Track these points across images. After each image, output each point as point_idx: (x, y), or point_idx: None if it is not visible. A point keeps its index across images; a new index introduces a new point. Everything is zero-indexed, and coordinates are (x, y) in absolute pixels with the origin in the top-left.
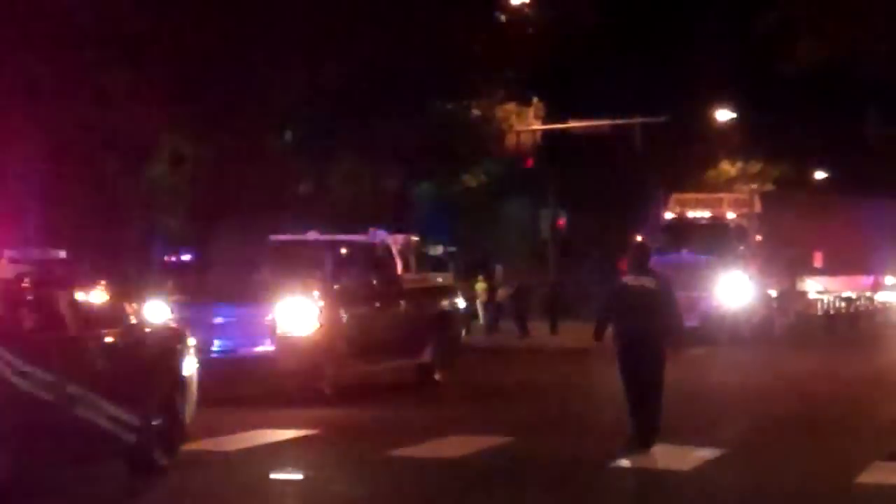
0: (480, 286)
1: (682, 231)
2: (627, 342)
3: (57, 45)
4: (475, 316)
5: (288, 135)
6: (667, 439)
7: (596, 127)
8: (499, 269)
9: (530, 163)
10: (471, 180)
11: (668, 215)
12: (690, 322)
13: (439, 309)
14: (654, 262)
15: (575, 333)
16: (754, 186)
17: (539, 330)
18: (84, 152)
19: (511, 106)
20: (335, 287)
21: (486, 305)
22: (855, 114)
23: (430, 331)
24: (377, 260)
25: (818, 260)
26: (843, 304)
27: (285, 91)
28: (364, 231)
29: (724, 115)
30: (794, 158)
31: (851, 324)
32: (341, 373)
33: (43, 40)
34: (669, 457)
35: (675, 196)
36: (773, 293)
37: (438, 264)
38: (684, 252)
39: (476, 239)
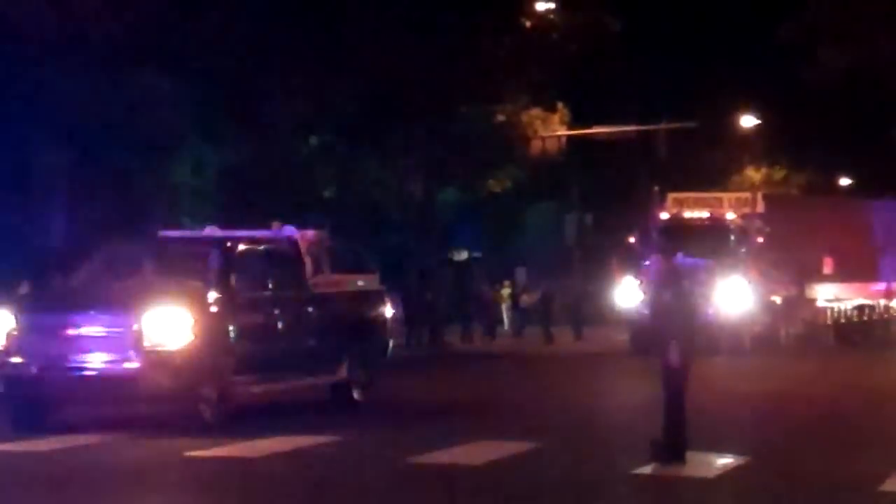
0: (506, 291)
1: (679, 232)
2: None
3: (83, 48)
4: (500, 321)
5: (313, 140)
6: (690, 446)
7: (620, 133)
8: (520, 271)
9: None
10: (495, 186)
11: (664, 215)
12: None
13: (360, 317)
14: (647, 265)
15: (598, 340)
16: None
17: (564, 335)
18: (109, 154)
19: (536, 111)
20: (221, 291)
21: (511, 310)
22: (879, 120)
23: (348, 343)
24: (279, 259)
25: (828, 265)
26: (854, 313)
27: (311, 96)
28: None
29: (748, 121)
30: (819, 164)
31: (864, 333)
32: (227, 394)
33: (71, 43)
34: (693, 464)
35: (672, 195)
36: (778, 300)
37: (357, 262)
38: (680, 255)
39: (501, 244)
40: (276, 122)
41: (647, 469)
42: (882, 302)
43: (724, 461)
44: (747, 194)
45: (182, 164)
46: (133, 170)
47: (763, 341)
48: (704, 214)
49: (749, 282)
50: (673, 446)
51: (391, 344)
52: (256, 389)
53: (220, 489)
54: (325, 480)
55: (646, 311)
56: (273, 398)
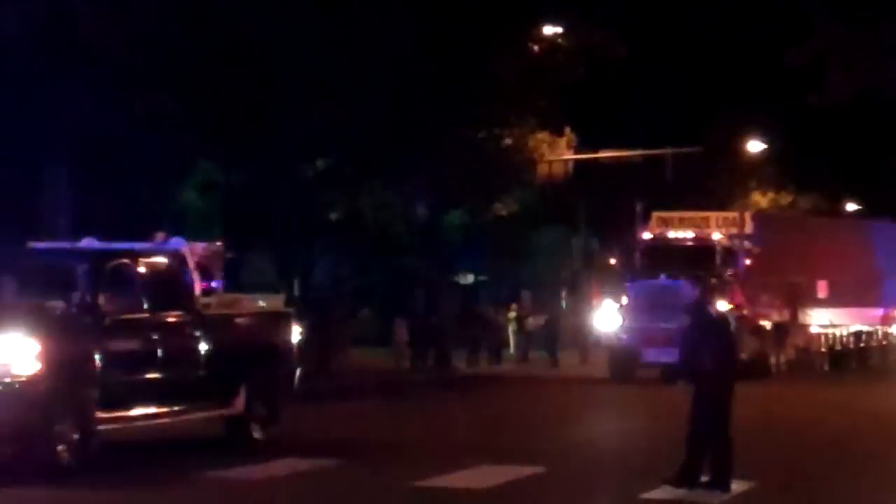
0: (512, 315)
1: (661, 253)
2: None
3: (90, 67)
4: (506, 345)
5: (320, 162)
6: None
7: (627, 157)
8: (525, 294)
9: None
10: (502, 209)
11: (646, 235)
12: (666, 357)
13: (261, 343)
14: (628, 288)
15: (605, 364)
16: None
17: (570, 359)
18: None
19: (543, 135)
20: (85, 312)
21: (517, 334)
22: (887, 145)
23: (245, 372)
24: (162, 276)
25: (823, 289)
26: (851, 339)
27: (318, 119)
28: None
29: (755, 146)
30: (826, 189)
31: (861, 361)
32: (90, 433)
33: (78, 62)
34: (701, 490)
35: (656, 214)
36: (768, 325)
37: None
38: (662, 277)
39: (507, 268)
40: (284, 144)
41: (655, 494)
42: (880, 329)
43: (734, 485)
44: (735, 213)
45: (189, 185)
46: (139, 190)
47: (751, 369)
48: (689, 234)
49: (735, 306)
50: (721, 476)
51: (298, 372)
52: (127, 426)
53: None
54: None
55: (625, 336)
56: (152, 435)
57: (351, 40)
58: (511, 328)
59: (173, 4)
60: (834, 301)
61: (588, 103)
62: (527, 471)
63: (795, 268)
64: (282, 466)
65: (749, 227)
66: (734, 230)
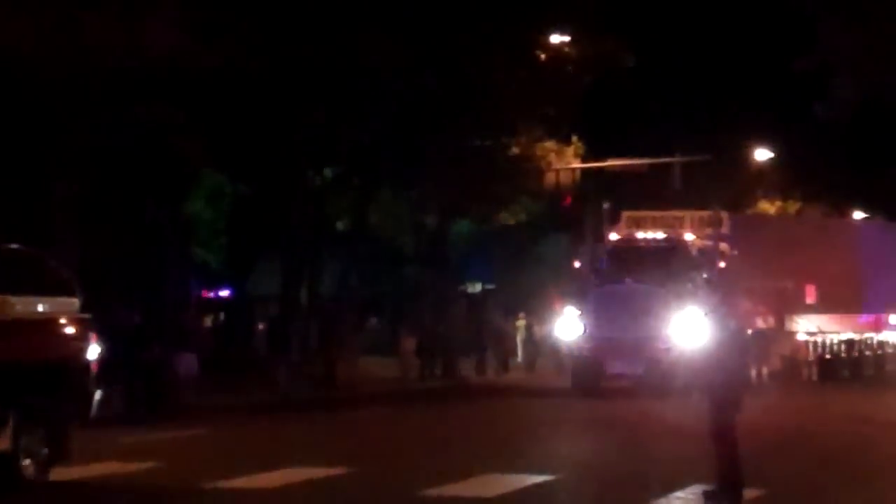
0: (521, 323)
1: (629, 255)
2: None
3: (98, 78)
4: (514, 354)
5: (327, 172)
6: (708, 478)
7: (635, 165)
8: (534, 303)
9: (569, 201)
10: (509, 218)
11: (613, 236)
12: (633, 369)
13: (37, 359)
14: (591, 294)
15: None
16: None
17: None
18: (124, 185)
19: (550, 144)
20: None
21: (526, 343)
22: (893, 152)
23: (14, 397)
24: None
25: (811, 294)
26: (842, 348)
27: (326, 128)
28: None
29: (762, 154)
30: (833, 197)
31: (854, 371)
32: None
33: (86, 73)
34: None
35: (626, 214)
36: (749, 333)
37: (47, 280)
38: (628, 281)
39: (514, 277)
40: (292, 153)
41: (660, 501)
42: (874, 336)
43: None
44: (710, 213)
45: (197, 195)
46: (148, 200)
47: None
48: (659, 235)
49: (708, 312)
50: (730, 489)
51: (98, 397)
52: None
53: None
54: None
55: (587, 346)
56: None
57: (359, 51)
58: (519, 337)
59: (181, 15)
60: (822, 307)
61: (596, 112)
62: (536, 479)
63: (779, 271)
64: (289, 475)
65: (726, 228)
66: (709, 230)
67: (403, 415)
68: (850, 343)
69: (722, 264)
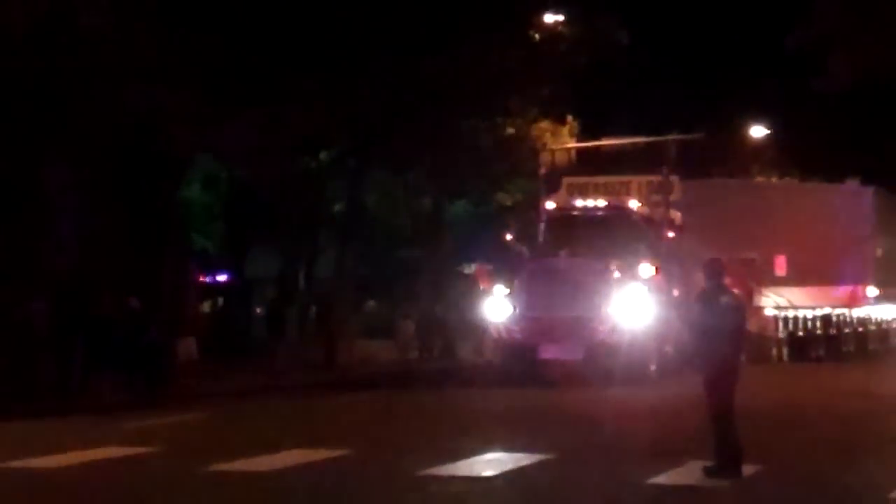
0: None
1: (567, 226)
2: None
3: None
4: None
5: (323, 154)
6: (701, 455)
7: (630, 144)
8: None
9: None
10: (505, 199)
11: (549, 205)
12: (570, 354)
13: None
14: (525, 268)
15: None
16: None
17: None
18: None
19: (546, 124)
20: None
21: None
22: (890, 128)
23: None
24: None
25: (780, 266)
26: (817, 324)
27: (321, 111)
28: None
29: (758, 131)
30: (829, 174)
31: (833, 349)
32: None
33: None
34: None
35: (566, 180)
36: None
37: None
38: (563, 254)
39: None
40: (287, 136)
41: (660, 479)
42: (856, 312)
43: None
44: (660, 178)
45: (192, 180)
46: (143, 186)
47: (677, 364)
48: (600, 203)
49: (653, 288)
50: (730, 463)
51: None
52: None
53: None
54: (333, 493)
55: (517, 328)
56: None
57: (353, 31)
58: None
59: None
60: (794, 279)
61: (590, 91)
62: (535, 458)
63: (744, 241)
64: (289, 458)
65: (678, 194)
66: (657, 197)
67: (402, 396)
68: (826, 319)
69: (671, 234)
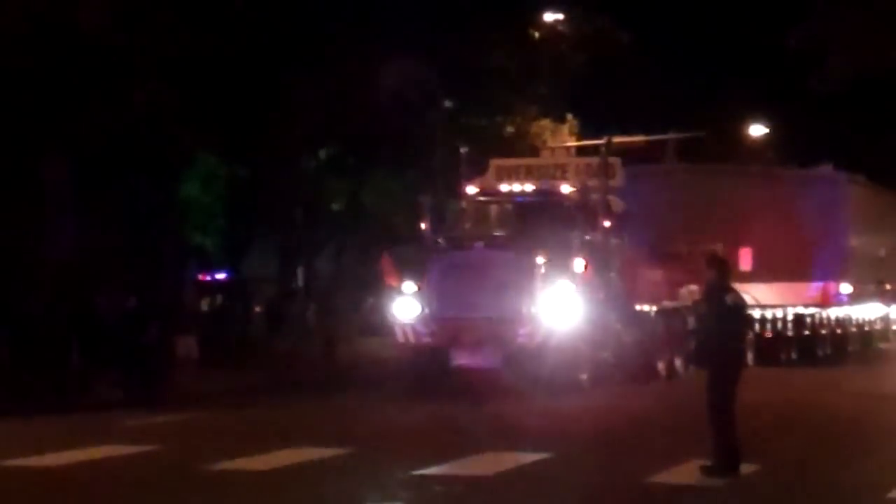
0: None
1: (488, 213)
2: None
3: (90, 61)
4: None
5: (322, 152)
6: (697, 457)
7: (629, 142)
8: None
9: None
10: None
11: (470, 189)
12: (486, 360)
13: None
14: (435, 262)
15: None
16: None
17: None
18: (118, 169)
19: (545, 122)
20: None
21: None
22: (889, 127)
23: None
24: None
25: (745, 260)
26: (789, 325)
27: (320, 109)
28: None
29: (757, 129)
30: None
31: (803, 353)
32: None
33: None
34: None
35: (494, 162)
36: (653, 311)
37: None
38: (478, 247)
39: None
40: (286, 135)
41: (660, 477)
42: (833, 312)
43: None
44: (598, 160)
45: (191, 178)
46: (142, 184)
47: (614, 371)
48: (528, 187)
49: (585, 284)
50: (728, 462)
51: None
52: None
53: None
54: (331, 493)
55: (425, 330)
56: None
57: (353, 31)
58: None
59: None
60: (761, 275)
61: (590, 90)
62: (533, 457)
63: (702, 233)
64: (288, 456)
65: (620, 179)
66: (594, 182)
67: (402, 395)
68: (798, 319)
69: (607, 223)
